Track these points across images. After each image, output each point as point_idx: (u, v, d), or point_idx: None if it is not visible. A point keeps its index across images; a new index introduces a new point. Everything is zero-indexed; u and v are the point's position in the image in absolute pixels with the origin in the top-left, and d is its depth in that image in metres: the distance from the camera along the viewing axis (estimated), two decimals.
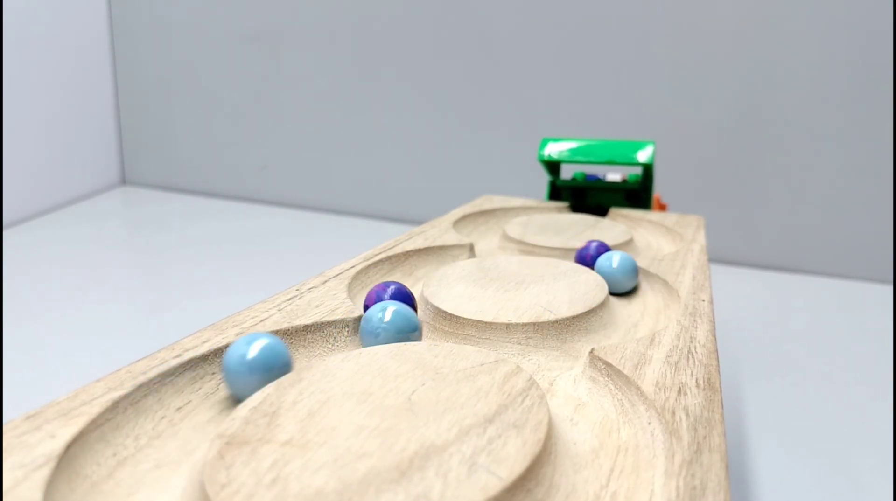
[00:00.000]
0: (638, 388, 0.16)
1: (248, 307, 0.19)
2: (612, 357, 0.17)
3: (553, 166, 0.40)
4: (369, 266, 0.24)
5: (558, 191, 0.40)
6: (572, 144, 0.39)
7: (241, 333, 0.17)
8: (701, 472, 0.12)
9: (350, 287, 0.22)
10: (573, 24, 0.61)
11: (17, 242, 0.59)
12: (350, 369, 0.15)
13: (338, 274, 0.22)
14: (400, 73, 0.68)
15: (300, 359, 0.18)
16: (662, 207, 0.43)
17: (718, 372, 0.17)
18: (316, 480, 0.11)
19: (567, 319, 0.20)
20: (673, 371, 0.16)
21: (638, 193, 0.40)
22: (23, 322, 0.43)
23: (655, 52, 0.59)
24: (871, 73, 0.54)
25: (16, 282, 0.49)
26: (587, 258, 0.26)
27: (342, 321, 0.19)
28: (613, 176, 0.40)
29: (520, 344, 0.19)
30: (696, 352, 0.18)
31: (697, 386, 0.16)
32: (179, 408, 0.15)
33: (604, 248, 0.26)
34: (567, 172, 0.46)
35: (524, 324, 0.19)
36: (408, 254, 0.26)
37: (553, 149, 0.39)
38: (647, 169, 0.38)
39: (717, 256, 0.60)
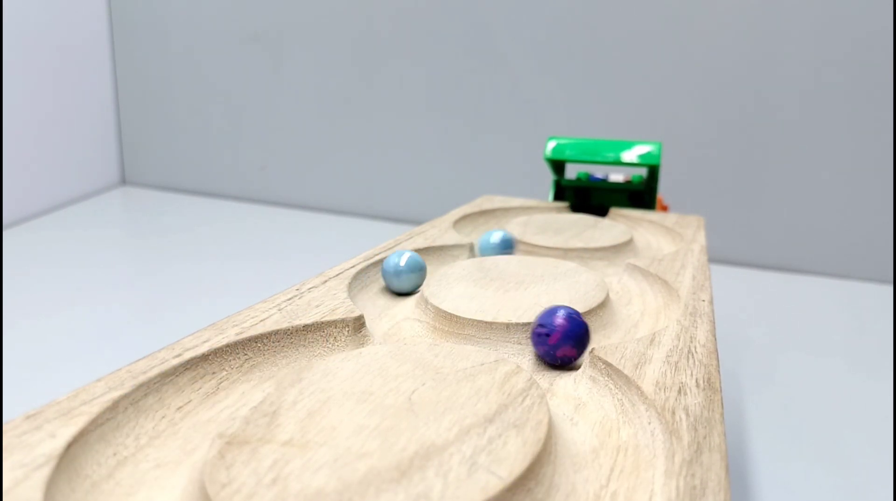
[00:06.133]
0: (638, 388, 0.16)
1: (249, 307, 0.19)
2: (612, 357, 0.17)
3: (558, 165, 0.39)
4: (369, 266, 0.24)
5: (563, 191, 0.40)
6: (579, 143, 0.38)
7: (241, 333, 0.17)
8: (701, 472, 0.12)
9: (350, 287, 0.22)
10: (573, 25, 0.61)
11: (17, 242, 0.59)
12: (350, 369, 0.15)
13: (338, 274, 0.22)
14: (400, 73, 0.68)
15: (300, 359, 0.18)
16: (664, 208, 0.43)
17: (718, 372, 0.17)
18: (316, 480, 0.11)
19: None
20: (673, 371, 0.16)
21: (641, 194, 0.39)
22: (23, 322, 0.43)
23: (655, 53, 0.59)
24: (871, 74, 0.54)
25: (16, 282, 0.49)
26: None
27: (342, 321, 0.19)
28: (616, 176, 0.40)
29: (520, 344, 0.19)
30: (696, 352, 0.18)
31: (697, 385, 0.16)
32: (180, 408, 0.15)
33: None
34: (570, 172, 0.45)
35: (524, 324, 0.19)
36: None
37: (558, 148, 0.38)
38: (653, 170, 0.37)
39: (717, 256, 0.60)
